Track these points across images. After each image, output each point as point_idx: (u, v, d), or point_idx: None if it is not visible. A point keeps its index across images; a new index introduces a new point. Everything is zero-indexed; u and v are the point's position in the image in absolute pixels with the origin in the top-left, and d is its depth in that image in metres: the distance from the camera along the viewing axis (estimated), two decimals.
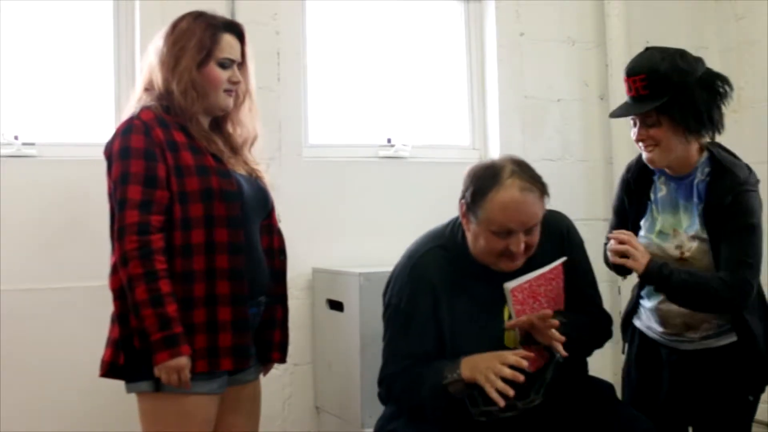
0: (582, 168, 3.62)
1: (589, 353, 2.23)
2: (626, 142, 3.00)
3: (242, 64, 2.12)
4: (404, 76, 3.47)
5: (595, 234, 2.71)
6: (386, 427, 2.11)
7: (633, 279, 2.28)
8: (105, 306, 2.03)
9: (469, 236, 2.06)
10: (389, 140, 3.39)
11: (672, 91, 2.09)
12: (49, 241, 2.80)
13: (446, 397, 1.96)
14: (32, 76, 2.93)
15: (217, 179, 1.98)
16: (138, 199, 1.90)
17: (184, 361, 1.86)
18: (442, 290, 2.05)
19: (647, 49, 2.19)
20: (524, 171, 2.01)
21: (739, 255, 2.07)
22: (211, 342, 1.94)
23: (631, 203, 2.29)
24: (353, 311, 2.76)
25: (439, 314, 2.05)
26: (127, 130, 1.96)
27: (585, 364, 2.24)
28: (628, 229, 2.23)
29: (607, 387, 2.24)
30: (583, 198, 3.58)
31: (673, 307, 2.18)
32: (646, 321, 2.32)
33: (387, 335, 2.11)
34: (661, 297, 2.21)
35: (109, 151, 1.98)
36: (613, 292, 3.35)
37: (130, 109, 2.06)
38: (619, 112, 2.20)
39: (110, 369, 1.96)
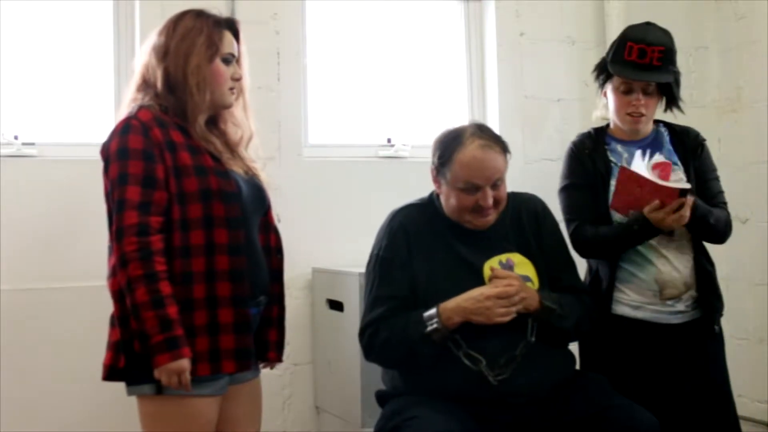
0: None
1: (570, 339, 2.27)
2: None
3: (237, 61, 2.11)
4: (404, 76, 3.47)
5: None
6: (386, 426, 2.10)
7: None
8: (105, 306, 2.02)
9: (442, 199, 2.22)
10: (389, 140, 3.39)
11: (674, 67, 2.37)
12: (49, 241, 2.80)
13: (431, 344, 2.08)
14: (32, 76, 2.94)
15: (216, 179, 1.96)
16: (137, 200, 1.87)
17: (185, 363, 1.85)
18: (418, 241, 2.20)
19: (648, 23, 2.39)
20: (484, 131, 2.18)
21: (721, 196, 2.42)
22: (213, 345, 1.92)
23: (597, 172, 2.39)
24: (353, 311, 2.75)
25: (414, 263, 2.18)
26: (124, 129, 1.94)
27: (572, 355, 2.27)
28: (592, 197, 2.38)
29: (602, 380, 2.23)
30: None
31: (675, 272, 2.31)
32: (632, 301, 2.35)
33: (369, 284, 2.24)
34: (657, 265, 2.31)
35: (106, 151, 1.96)
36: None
37: (125, 109, 2.03)
38: (635, 76, 2.33)
39: (111, 372, 1.95)
